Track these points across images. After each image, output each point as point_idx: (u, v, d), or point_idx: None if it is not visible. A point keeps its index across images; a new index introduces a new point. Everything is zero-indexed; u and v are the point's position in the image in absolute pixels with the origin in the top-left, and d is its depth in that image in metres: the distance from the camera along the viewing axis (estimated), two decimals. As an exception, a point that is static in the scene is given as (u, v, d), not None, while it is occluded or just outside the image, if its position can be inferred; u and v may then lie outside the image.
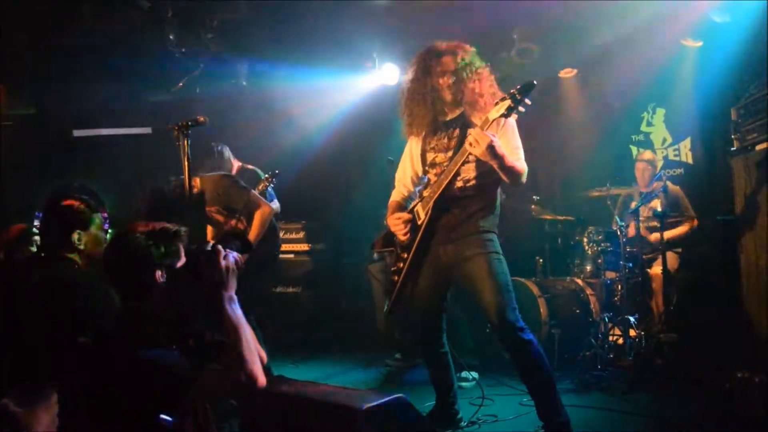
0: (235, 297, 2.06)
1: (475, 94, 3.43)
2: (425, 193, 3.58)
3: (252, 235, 4.43)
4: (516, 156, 3.42)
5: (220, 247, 2.06)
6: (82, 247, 2.82)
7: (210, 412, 2.11)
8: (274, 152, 6.94)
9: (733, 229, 4.61)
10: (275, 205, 5.56)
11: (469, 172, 3.45)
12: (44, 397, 1.80)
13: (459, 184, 3.46)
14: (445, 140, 3.55)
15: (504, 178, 3.38)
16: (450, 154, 3.49)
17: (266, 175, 5.44)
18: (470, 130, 3.26)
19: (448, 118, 3.60)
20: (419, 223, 3.53)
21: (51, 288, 2.65)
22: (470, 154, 3.31)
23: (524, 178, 3.41)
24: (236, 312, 2.04)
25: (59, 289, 2.65)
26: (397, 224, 3.60)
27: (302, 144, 7.20)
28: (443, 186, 3.42)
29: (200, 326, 2.17)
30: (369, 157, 6.73)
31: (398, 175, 3.88)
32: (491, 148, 3.18)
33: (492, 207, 3.55)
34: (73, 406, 1.99)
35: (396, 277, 3.59)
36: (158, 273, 2.09)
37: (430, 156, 3.62)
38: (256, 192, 4.69)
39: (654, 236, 5.36)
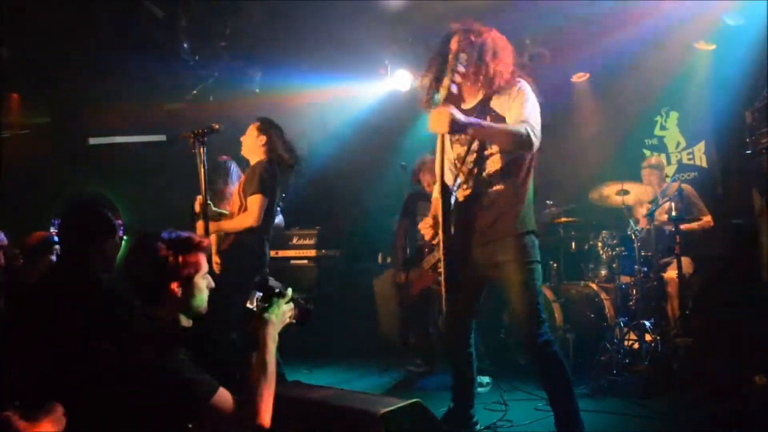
0: (277, 340, 2.14)
1: (490, 72, 3.29)
2: (458, 195, 3.45)
3: (225, 225, 4.32)
4: (520, 118, 3.20)
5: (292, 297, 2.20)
6: (108, 254, 2.87)
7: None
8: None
9: (749, 233, 4.59)
10: (278, 219, 5.57)
11: (494, 165, 3.34)
12: (51, 411, 1.81)
13: (485, 178, 3.35)
14: (468, 139, 3.42)
15: (500, 146, 3.26)
16: (475, 151, 3.39)
17: None
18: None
19: (468, 106, 3.43)
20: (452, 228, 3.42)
21: (80, 295, 2.68)
22: (486, 149, 3.29)
23: (532, 138, 3.12)
24: (272, 356, 2.10)
25: (84, 297, 2.68)
26: (424, 227, 3.51)
27: (315, 150, 7.22)
28: (470, 188, 3.37)
29: (227, 355, 2.22)
30: (382, 162, 6.76)
31: (436, 169, 3.64)
32: (454, 122, 3.02)
33: (523, 202, 3.35)
34: (92, 411, 2.01)
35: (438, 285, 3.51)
36: (174, 283, 2.11)
37: (455, 149, 3.49)
38: (262, 201, 4.31)
39: (667, 227, 5.32)
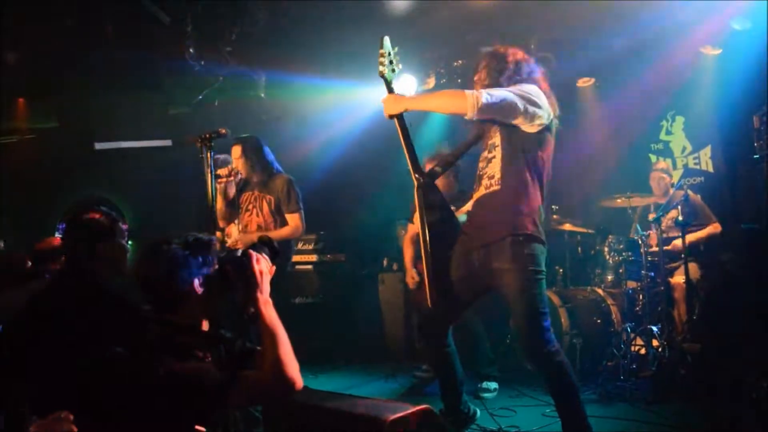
0: (270, 300, 2.07)
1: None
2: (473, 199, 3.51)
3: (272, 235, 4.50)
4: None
5: (252, 251, 2.09)
6: (112, 257, 2.84)
7: (240, 421, 2.12)
8: (293, 163, 6.98)
9: (757, 237, 4.57)
10: None
11: (495, 168, 3.33)
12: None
13: (485, 182, 3.36)
14: (486, 144, 3.48)
15: (439, 108, 3.52)
16: (487, 155, 3.43)
17: None
18: None
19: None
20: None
21: (81, 301, 2.67)
22: (490, 153, 3.34)
23: (468, 97, 3.14)
24: (272, 315, 2.05)
25: (89, 302, 2.67)
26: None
27: (320, 155, 7.23)
28: (476, 192, 3.41)
29: (233, 334, 2.19)
30: (386, 167, 6.75)
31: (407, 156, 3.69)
32: (398, 100, 3.32)
33: (522, 205, 3.25)
34: (104, 419, 2.00)
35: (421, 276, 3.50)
36: (196, 283, 2.09)
37: (480, 160, 3.52)
38: (302, 215, 4.87)
39: (674, 243, 5.30)
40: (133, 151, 7.25)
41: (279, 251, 2.24)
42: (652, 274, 5.12)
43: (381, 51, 3.51)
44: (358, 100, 7.02)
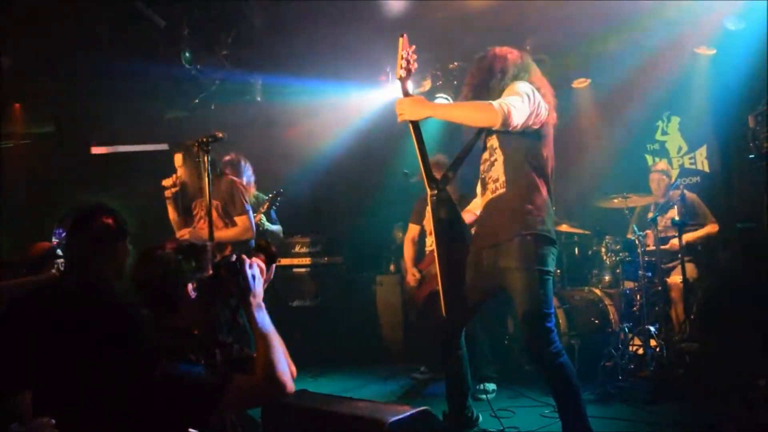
0: (263, 305, 2.09)
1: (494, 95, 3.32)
2: (481, 202, 3.55)
3: (219, 234, 4.43)
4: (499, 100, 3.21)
5: (245, 256, 2.10)
6: (119, 259, 2.85)
7: (238, 426, 2.12)
8: (290, 166, 6.99)
9: (753, 236, 4.58)
10: (276, 227, 5.60)
11: (498, 170, 3.34)
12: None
13: (491, 186, 3.38)
14: (482, 148, 3.52)
15: (465, 120, 3.32)
16: (488, 157, 3.46)
17: (270, 195, 5.44)
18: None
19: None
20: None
21: (83, 302, 2.67)
22: (492, 156, 3.35)
23: (494, 109, 3.11)
24: (265, 319, 2.07)
25: (90, 304, 2.66)
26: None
27: (317, 158, 7.23)
28: (483, 195, 3.44)
29: (227, 339, 2.19)
30: (384, 170, 6.75)
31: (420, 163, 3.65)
32: (420, 106, 3.21)
33: (529, 205, 3.24)
34: (101, 420, 2.01)
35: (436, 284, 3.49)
36: (189, 287, 2.12)
37: (481, 161, 3.54)
38: (252, 215, 4.73)
39: (672, 242, 5.31)
40: (130, 156, 7.25)
41: (276, 256, 2.25)
42: (650, 274, 5.14)
43: (399, 52, 3.34)
44: (354, 102, 7.03)
